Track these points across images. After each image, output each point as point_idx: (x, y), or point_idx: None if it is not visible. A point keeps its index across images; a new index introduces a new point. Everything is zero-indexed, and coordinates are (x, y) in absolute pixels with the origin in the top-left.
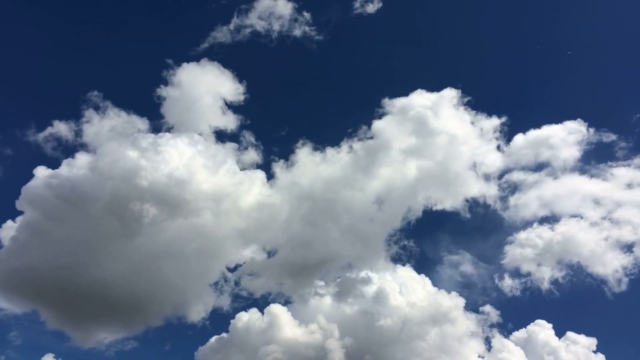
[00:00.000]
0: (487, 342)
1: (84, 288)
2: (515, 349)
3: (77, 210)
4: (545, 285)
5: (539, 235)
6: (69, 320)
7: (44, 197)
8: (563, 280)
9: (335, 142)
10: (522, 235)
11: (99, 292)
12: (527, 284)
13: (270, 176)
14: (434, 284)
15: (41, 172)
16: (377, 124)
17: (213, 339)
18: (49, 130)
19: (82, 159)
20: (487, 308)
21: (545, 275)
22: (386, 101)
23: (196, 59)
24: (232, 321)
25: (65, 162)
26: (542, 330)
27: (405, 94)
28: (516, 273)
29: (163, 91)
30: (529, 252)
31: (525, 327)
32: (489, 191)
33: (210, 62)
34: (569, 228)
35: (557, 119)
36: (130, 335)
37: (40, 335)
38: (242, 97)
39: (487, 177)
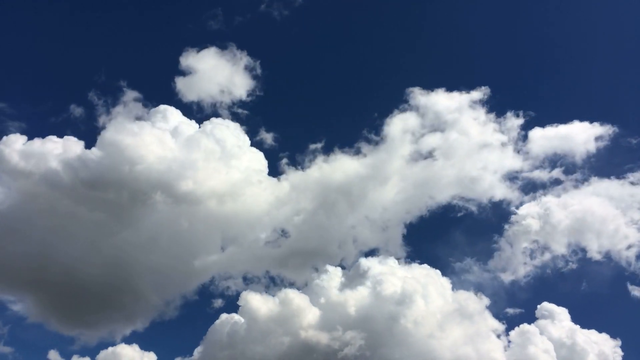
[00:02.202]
0: (508, 337)
1: (80, 281)
2: (539, 340)
3: (77, 194)
4: (563, 272)
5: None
6: (70, 317)
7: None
8: (579, 266)
9: (353, 137)
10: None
11: (101, 286)
12: (542, 273)
13: (283, 167)
14: (449, 280)
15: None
16: (395, 122)
17: (223, 318)
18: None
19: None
20: (504, 303)
21: (560, 263)
22: (406, 99)
23: (211, 43)
24: (241, 303)
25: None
26: (560, 317)
27: (427, 92)
28: (531, 265)
29: (177, 78)
30: (543, 239)
31: (544, 316)
32: (509, 192)
33: (223, 48)
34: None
35: (582, 120)
36: (137, 325)
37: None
38: (256, 87)
39: (506, 179)
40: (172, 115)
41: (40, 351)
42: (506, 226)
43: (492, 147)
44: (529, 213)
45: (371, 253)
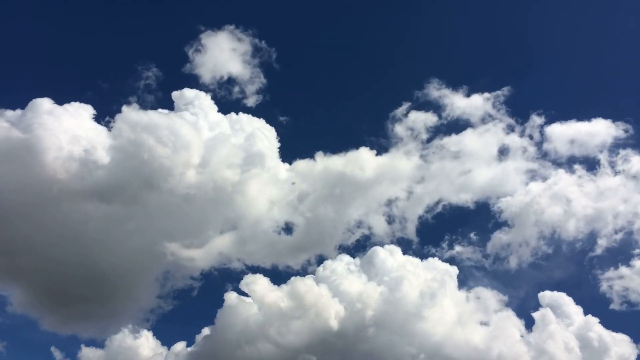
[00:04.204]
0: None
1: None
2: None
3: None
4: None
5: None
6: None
7: None
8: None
9: (367, 132)
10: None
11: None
12: (554, 263)
13: (292, 156)
14: (463, 276)
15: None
16: (411, 119)
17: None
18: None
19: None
20: (518, 297)
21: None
22: (424, 97)
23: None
24: (248, 289)
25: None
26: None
27: (446, 90)
28: (545, 256)
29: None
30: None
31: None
32: (526, 192)
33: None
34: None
35: (605, 118)
36: (143, 313)
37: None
38: (270, 72)
39: (524, 179)
40: (192, 100)
41: (42, 347)
42: (517, 215)
43: (511, 146)
44: (541, 194)
45: (381, 245)
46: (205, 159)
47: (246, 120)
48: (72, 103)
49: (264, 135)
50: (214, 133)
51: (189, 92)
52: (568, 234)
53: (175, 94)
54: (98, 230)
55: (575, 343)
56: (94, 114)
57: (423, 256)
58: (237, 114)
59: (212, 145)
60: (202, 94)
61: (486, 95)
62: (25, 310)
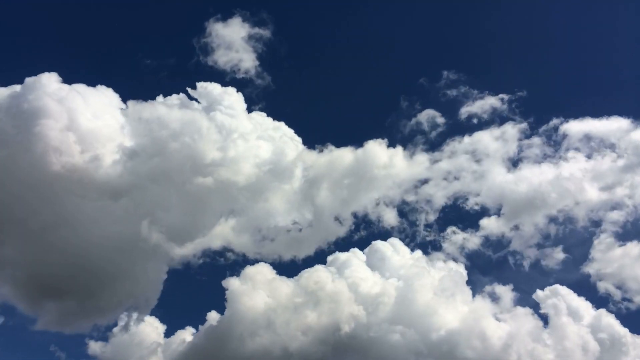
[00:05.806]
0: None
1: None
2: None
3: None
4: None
5: None
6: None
7: None
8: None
9: (376, 127)
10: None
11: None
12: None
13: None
14: (471, 274)
15: None
16: (423, 118)
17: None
18: None
19: None
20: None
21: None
22: (436, 96)
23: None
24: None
25: None
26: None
27: (458, 91)
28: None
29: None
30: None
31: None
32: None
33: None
34: None
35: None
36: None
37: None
38: (281, 64)
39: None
40: (217, 97)
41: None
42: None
43: (526, 147)
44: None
45: (387, 239)
46: (222, 158)
47: (272, 125)
48: (82, 84)
49: (294, 146)
50: (237, 133)
51: (213, 87)
52: (579, 224)
53: (194, 91)
54: (98, 223)
55: (590, 337)
56: (103, 99)
57: (431, 253)
58: (251, 108)
59: (232, 145)
60: (230, 89)
61: (502, 95)
62: (21, 309)
